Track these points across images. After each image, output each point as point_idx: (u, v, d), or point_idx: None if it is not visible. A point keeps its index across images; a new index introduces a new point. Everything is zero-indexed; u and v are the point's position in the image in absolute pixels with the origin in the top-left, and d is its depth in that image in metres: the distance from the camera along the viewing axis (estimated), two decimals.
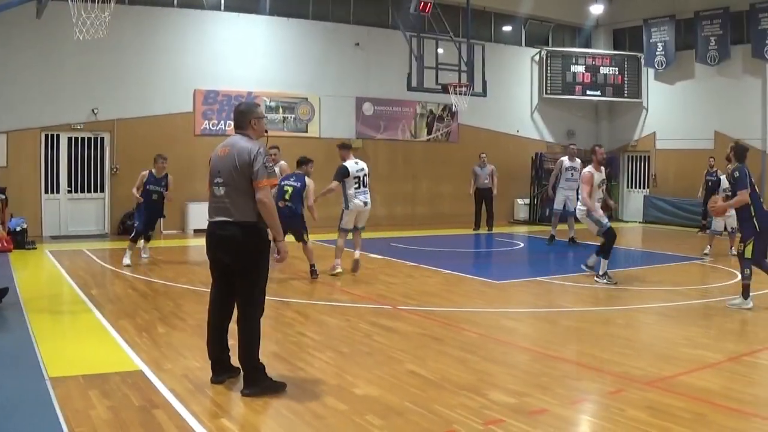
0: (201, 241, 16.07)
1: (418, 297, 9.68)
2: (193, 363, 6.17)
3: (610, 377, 6.02)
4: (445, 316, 8.47)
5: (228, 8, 18.41)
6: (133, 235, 12.43)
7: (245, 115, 5.63)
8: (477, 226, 19.09)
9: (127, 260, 11.96)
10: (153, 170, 12.37)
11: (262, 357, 5.50)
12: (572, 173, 15.71)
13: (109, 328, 7.53)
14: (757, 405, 5.33)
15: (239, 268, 5.43)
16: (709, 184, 16.90)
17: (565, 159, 16.18)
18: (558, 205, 15.92)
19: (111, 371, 5.86)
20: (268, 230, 5.50)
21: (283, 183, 10.71)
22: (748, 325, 8.20)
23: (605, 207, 11.85)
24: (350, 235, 11.43)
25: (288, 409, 5.10)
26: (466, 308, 8.99)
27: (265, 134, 5.82)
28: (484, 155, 18.94)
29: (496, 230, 19.07)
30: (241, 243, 5.38)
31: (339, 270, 11.18)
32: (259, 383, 5.37)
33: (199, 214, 16.98)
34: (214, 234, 5.51)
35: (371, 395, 5.41)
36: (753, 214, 8.74)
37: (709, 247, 14.18)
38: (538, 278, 11.39)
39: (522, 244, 17.08)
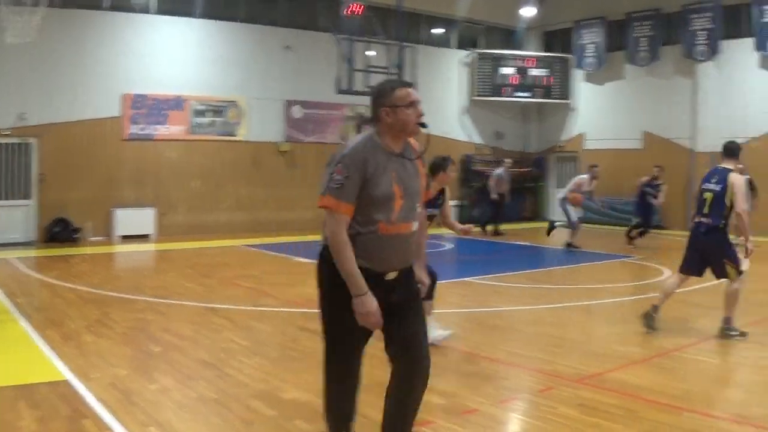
0: (127, 248, 15.77)
1: None
2: (121, 371, 6.17)
3: (540, 375, 6.17)
4: None
5: (158, 11, 18.14)
6: None
7: (373, 100, 3.86)
8: None
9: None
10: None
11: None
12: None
13: (35, 337, 7.44)
14: (686, 399, 5.51)
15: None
16: (646, 197, 15.65)
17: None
18: None
19: (39, 381, 5.83)
20: None
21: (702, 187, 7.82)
22: (674, 322, 8.27)
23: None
24: None
25: (216, 415, 5.18)
26: None
27: (423, 128, 3.85)
28: None
29: None
30: (316, 272, 3.97)
31: None
32: None
33: (125, 220, 16.80)
34: None
35: (299, 400, 5.50)
36: None
37: None
38: (466, 279, 11.57)
39: (451, 246, 17.32)
